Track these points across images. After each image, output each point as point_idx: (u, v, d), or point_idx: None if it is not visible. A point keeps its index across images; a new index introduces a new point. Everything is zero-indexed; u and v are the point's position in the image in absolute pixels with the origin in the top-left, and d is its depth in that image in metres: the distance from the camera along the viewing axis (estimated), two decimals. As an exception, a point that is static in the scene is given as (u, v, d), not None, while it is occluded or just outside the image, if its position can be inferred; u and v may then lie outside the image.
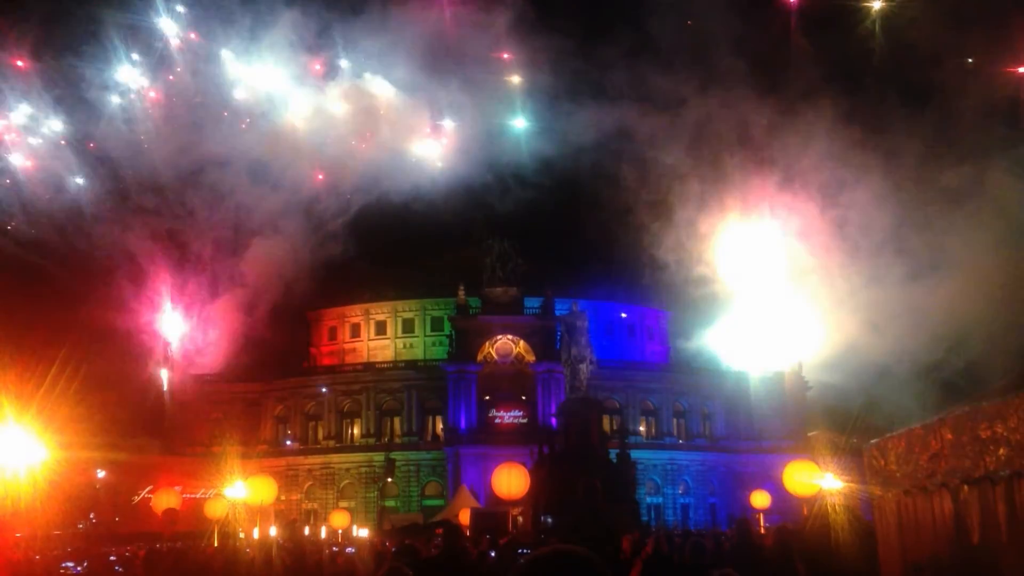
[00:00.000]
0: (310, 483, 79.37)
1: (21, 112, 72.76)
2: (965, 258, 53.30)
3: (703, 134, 71.25)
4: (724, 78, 69.60)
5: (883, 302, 61.18)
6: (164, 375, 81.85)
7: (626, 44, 69.15)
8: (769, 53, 69.44)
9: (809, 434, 74.80)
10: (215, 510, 39.90)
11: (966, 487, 6.18)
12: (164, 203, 77.51)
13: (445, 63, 72.62)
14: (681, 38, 68.29)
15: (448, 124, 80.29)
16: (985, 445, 5.82)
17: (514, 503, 45.00)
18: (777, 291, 77.64)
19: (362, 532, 54.79)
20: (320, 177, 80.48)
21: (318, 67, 77.18)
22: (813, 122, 65.26)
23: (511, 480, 41.97)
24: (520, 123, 78.26)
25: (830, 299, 69.66)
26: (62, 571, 25.79)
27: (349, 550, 26.23)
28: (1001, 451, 5.67)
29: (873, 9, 64.16)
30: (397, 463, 73.22)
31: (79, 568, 26.80)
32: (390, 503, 74.06)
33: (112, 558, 30.83)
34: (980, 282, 49.61)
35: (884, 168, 62.91)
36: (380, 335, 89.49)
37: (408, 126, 78.32)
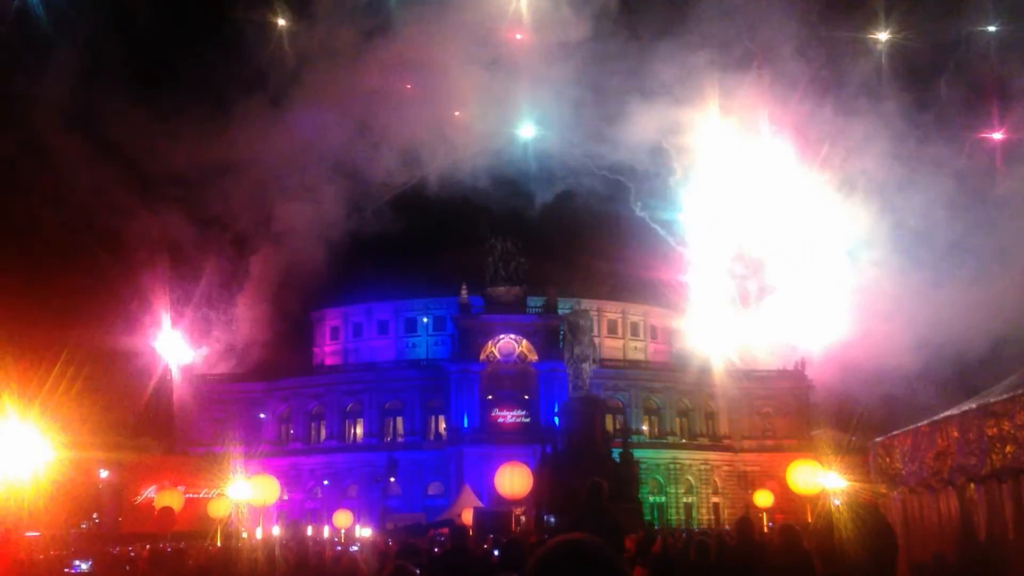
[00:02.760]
0: (313, 483, 79.39)
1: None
2: (984, 259, 52.55)
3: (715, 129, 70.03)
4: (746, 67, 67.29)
5: (890, 300, 60.81)
6: (167, 375, 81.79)
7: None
8: (828, 48, 67.09)
9: (813, 433, 74.74)
10: (218, 510, 40.04)
11: (972, 485, 6.13)
12: (184, 195, 76.37)
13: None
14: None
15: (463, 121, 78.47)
16: (992, 443, 5.75)
17: (517, 502, 44.99)
18: (781, 288, 77.38)
19: (365, 532, 54.86)
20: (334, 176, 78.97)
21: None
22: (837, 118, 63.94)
23: (514, 479, 42.01)
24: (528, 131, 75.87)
25: (835, 296, 69.31)
26: (67, 572, 25.79)
27: (353, 548, 26.22)
28: (1008, 448, 5.61)
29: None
30: (400, 463, 73.19)
31: (84, 566, 26.82)
32: (393, 503, 74.03)
33: (115, 552, 30.87)
34: (1001, 282, 48.85)
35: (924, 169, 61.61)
36: (383, 335, 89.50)
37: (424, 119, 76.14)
